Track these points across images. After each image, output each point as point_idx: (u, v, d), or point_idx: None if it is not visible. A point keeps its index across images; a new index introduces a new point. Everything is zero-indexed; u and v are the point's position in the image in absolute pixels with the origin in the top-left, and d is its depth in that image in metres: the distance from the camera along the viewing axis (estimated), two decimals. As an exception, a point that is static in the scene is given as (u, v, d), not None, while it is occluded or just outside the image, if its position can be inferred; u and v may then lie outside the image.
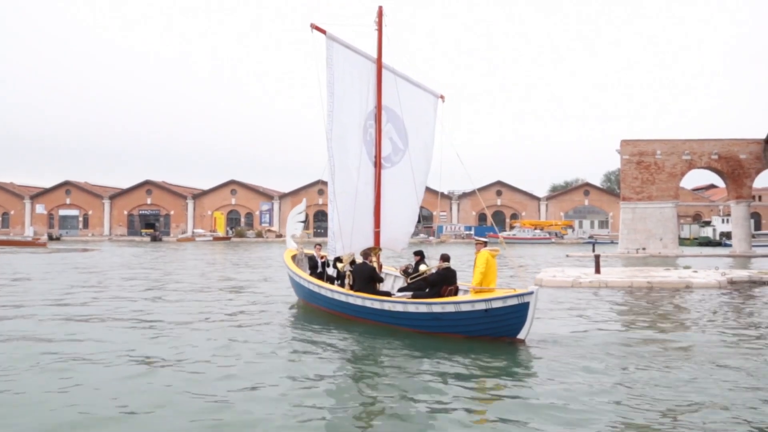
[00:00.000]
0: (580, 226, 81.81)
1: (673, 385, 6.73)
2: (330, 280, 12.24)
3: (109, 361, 7.70)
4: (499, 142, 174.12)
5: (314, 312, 11.67)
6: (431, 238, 76.47)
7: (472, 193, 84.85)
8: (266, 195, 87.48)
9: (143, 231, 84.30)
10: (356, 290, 10.54)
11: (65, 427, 5.25)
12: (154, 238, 75.08)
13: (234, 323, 10.54)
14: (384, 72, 11.64)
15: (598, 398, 6.21)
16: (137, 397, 6.09)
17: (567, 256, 38.07)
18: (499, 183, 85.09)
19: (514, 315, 8.63)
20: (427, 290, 10.10)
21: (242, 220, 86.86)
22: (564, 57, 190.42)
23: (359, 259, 11.25)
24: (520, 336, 8.71)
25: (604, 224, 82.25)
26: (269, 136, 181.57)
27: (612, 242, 64.12)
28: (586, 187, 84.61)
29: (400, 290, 11.03)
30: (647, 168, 41.34)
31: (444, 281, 9.93)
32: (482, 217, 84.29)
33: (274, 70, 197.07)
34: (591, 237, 74.01)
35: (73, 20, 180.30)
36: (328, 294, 11.09)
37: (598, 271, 20.03)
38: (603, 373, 7.26)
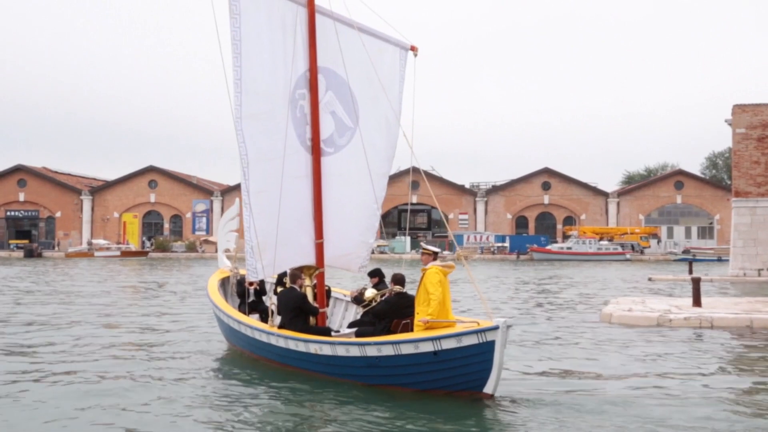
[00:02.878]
0: (670, 234, 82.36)
1: None
2: (263, 312, 13.34)
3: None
4: (548, 114, 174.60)
5: (239, 360, 12.85)
6: (446, 252, 76.07)
7: (506, 187, 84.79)
8: (202, 189, 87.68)
9: (13, 242, 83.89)
10: (280, 326, 11.42)
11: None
12: (31, 253, 74.92)
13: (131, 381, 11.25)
14: (319, 18, 12.15)
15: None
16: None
17: (650, 279, 38.47)
18: (547, 172, 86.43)
19: (475, 359, 9.15)
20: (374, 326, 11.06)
21: (166, 225, 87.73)
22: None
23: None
24: (487, 390, 9.26)
25: (706, 232, 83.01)
26: (204, 108, 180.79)
27: (719, 259, 64.45)
28: (679, 177, 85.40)
29: (350, 325, 12.09)
30: (774, 147, 40.83)
31: (395, 312, 10.74)
32: (521, 222, 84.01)
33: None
34: (687, 251, 74.54)
35: None
36: (248, 332, 12.24)
37: (697, 302, 20.06)
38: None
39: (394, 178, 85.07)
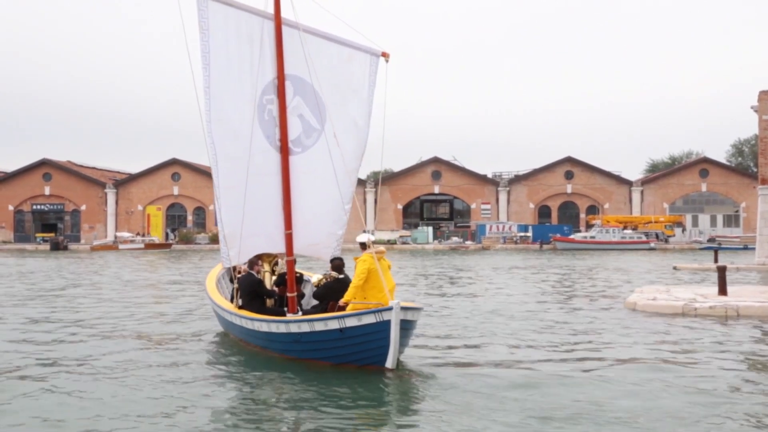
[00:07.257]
0: (695, 223, 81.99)
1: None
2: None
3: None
4: (570, 103, 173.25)
5: (213, 338, 14.50)
6: (468, 242, 76.06)
7: (529, 176, 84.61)
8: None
9: (39, 236, 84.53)
10: (240, 307, 13.01)
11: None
12: (57, 246, 75.48)
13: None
14: (286, 30, 13.09)
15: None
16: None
17: (675, 268, 38.61)
18: (570, 160, 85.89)
19: (374, 337, 10.47)
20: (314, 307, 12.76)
21: (189, 218, 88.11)
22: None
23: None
24: (387, 365, 10.56)
25: (732, 220, 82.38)
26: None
27: (745, 247, 63.93)
28: (704, 165, 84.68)
29: (312, 307, 13.45)
30: (801, 132, 40.20)
31: (331, 295, 12.27)
32: (544, 211, 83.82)
33: None
34: (712, 239, 74.18)
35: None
36: (220, 312, 14.19)
37: (723, 291, 20.12)
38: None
39: (415, 169, 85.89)
